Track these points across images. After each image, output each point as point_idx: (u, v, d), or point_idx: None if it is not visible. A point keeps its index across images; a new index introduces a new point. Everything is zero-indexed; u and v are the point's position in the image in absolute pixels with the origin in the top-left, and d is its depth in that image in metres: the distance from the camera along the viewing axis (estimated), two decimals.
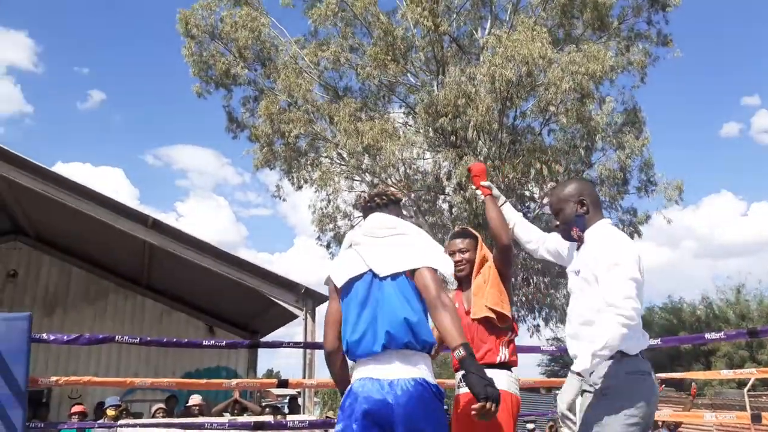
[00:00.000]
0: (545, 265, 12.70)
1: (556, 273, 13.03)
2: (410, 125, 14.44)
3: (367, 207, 2.39)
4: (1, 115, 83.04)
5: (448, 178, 13.59)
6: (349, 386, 2.11)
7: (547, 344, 11.52)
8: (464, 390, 2.45)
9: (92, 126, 79.85)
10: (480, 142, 12.31)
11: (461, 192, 12.39)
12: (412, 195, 13.71)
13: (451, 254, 2.76)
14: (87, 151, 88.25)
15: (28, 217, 10.23)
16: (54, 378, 4.31)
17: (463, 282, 2.81)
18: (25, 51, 76.97)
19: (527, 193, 13.72)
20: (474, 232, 2.91)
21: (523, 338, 14.86)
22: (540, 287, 13.84)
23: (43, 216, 9.84)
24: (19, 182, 7.91)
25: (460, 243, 2.82)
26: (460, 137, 12.63)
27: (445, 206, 14.35)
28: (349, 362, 2.24)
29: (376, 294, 2.13)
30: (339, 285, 2.25)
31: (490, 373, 2.02)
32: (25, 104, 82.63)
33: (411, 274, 2.13)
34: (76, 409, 7.23)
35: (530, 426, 11.81)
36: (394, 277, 2.13)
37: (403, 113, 15.00)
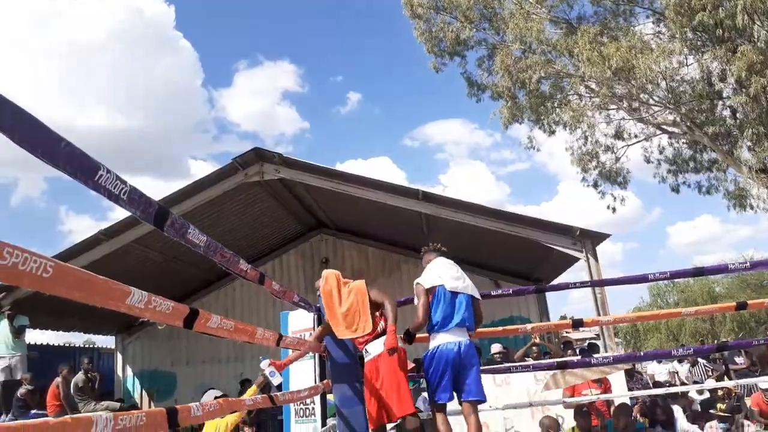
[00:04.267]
0: None
1: None
2: (663, 34, 12.83)
3: (437, 249, 4.40)
4: (287, 135, 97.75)
5: (723, 79, 11.76)
6: (436, 345, 3.73)
7: None
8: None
9: (356, 125, 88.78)
10: (756, 25, 10.33)
11: (742, 90, 10.62)
12: (682, 109, 12.21)
13: None
14: (357, 148, 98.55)
15: (326, 212, 12.00)
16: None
17: None
18: (291, 75, 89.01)
19: None
20: None
21: None
22: None
23: (337, 208, 11.45)
24: (313, 185, 9.37)
25: None
26: (727, 28, 10.76)
27: (727, 112, 12.46)
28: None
29: (456, 299, 3.87)
30: (427, 287, 3.91)
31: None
32: (302, 122, 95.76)
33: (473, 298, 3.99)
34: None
35: None
36: (469, 297, 3.94)
37: (652, 23, 13.38)
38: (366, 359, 3.83)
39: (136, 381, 12.78)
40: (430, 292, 3.82)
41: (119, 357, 12.91)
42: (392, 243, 12.74)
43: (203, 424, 4.44)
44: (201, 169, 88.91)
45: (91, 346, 14.83)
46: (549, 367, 4.88)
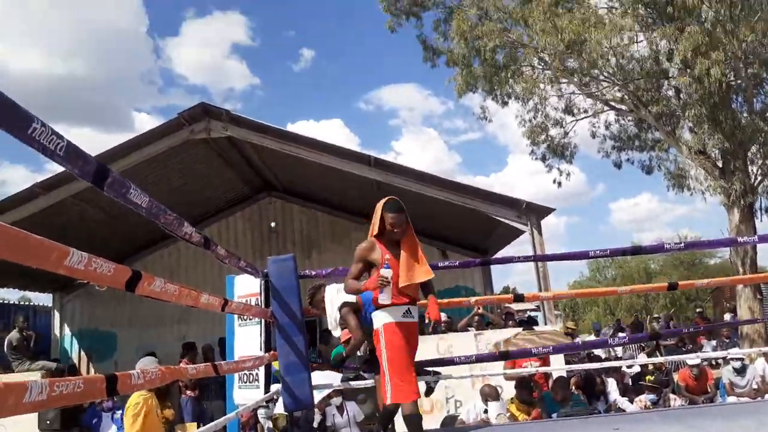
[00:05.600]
0: None
1: None
2: (616, 8, 12.96)
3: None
4: (237, 91, 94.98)
5: (669, 58, 12.02)
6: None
7: None
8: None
9: (308, 84, 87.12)
10: (704, 5, 10.55)
11: (687, 71, 10.90)
12: (630, 87, 12.47)
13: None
14: (309, 109, 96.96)
15: (275, 174, 11.79)
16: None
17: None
18: (242, 27, 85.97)
19: None
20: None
21: None
22: None
23: (286, 171, 11.26)
24: (263, 145, 9.16)
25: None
26: (677, 7, 10.94)
27: (671, 92, 12.80)
28: None
29: None
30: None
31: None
32: (252, 77, 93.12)
33: None
34: (346, 335, 8.35)
35: None
36: None
37: None
38: (405, 319, 3.24)
39: (74, 341, 12.41)
40: (358, 301, 3.96)
41: (56, 315, 12.47)
42: (343, 209, 12.68)
43: None
44: (145, 122, 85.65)
45: (27, 303, 14.25)
46: (492, 358, 4.87)
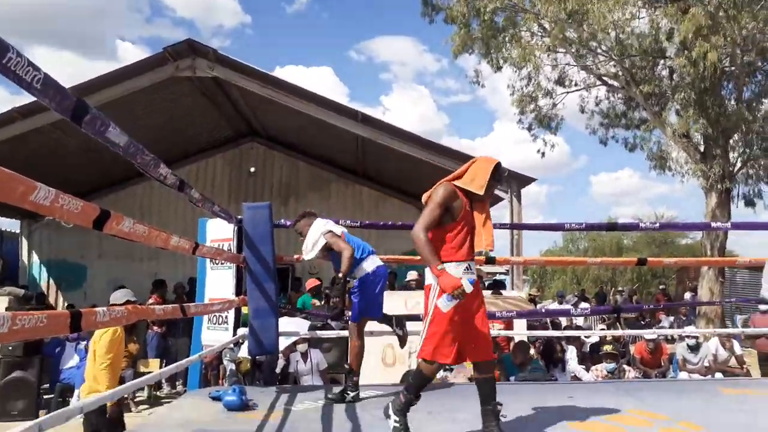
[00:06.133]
0: None
1: None
2: None
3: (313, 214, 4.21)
4: (227, 28, 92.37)
5: (669, 38, 11.94)
6: (374, 266, 3.92)
7: None
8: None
9: (301, 28, 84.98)
10: None
11: (685, 52, 10.85)
12: (626, 63, 12.40)
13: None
14: (299, 53, 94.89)
15: (260, 120, 11.60)
16: (296, 256, 5.03)
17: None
18: None
19: None
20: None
21: None
22: None
23: (271, 117, 11.08)
24: (249, 89, 8.96)
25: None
26: None
27: (665, 72, 12.78)
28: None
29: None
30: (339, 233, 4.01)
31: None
32: (244, 15, 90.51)
33: None
34: (312, 282, 8.44)
35: None
36: None
37: None
38: (471, 279, 2.90)
39: (43, 269, 12.31)
40: (341, 236, 3.97)
41: (24, 243, 12.29)
42: (325, 160, 12.59)
43: None
44: (129, 51, 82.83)
45: None
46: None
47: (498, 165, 3.05)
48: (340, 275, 3.80)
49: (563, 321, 8.91)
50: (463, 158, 8.70)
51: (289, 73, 66.74)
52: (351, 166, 12.23)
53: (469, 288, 2.72)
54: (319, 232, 3.96)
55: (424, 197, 3.04)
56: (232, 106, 10.70)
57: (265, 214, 4.48)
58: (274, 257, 4.46)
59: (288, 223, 4.83)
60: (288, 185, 12.55)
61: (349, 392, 3.79)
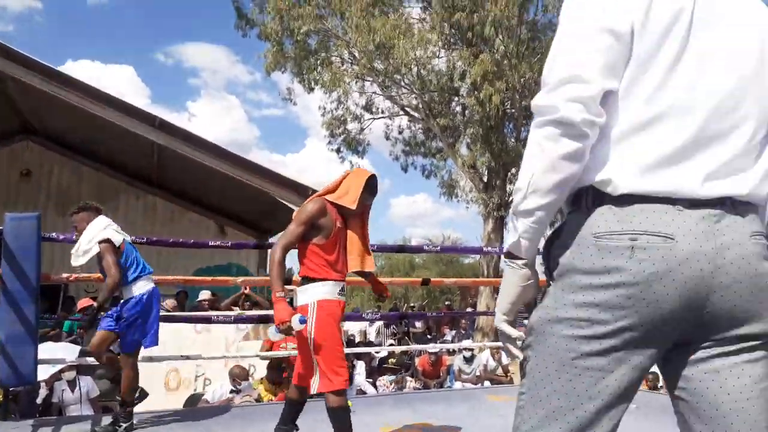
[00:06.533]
0: None
1: None
2: (426, 21, 13.83)
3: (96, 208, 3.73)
4: (10, 11, 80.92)
5: (462, 79, 13.21)
6: (147, 289, 3.63)
7: None
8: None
9: (102, 22, 77.90)
10: (498, 39, 11.79)
11: (475, 93, 12.08)
12: (425, 97, 13.41)
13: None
14: (97, 49, 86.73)
15: (39, 117, 10.27)
16: (65, 275, 4.50)
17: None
18: None
19: None
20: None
21: None
22: None
23: (53, 116, 9.87)
24: (28, 83, 7.89)
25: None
26: (476, 34, 12.07)
27: (459, 108, 14.08)
28: None
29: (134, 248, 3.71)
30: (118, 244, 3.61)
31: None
32: (33, 0, 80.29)
33: None
34: (84, 303, 7.58)
35: None
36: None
37: (420, 7, 14.30)
38: (341, 297, 2.87)
39: None
40: (120, 247, 3.60)
41: None
42: (114, 167, 11.50)
43: None
44: None
45: None
46: (250, 320, 5.01)
47: (372, 177, 3.05)
48: (95, 305, 3.46)
49: (356, 337, 9.20)
50: (266, 174, 8.60)
51: (82, 68, 60.23)
52: (145, 174, 11.34)
53: (298, 327, 2.65)
54: (94, 238, 3.54)
55: (294, 213, 2.98)
56: (6, 99, 9.34)
57: (31, 225, 3.94)
58: (39, 275, 3.93)
59: (61, 237, 4.33)
60: (68, 192, 11.13)
61: (121, 423, 3.49)
